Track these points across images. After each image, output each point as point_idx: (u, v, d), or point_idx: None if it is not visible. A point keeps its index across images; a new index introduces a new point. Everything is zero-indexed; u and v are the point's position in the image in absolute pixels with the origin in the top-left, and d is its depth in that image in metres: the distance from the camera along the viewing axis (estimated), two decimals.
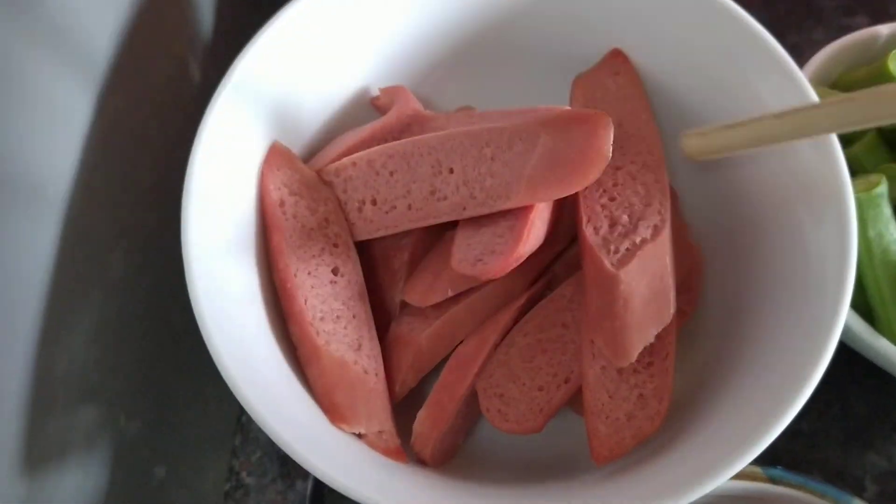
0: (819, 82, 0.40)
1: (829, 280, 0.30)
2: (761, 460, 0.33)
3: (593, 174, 0.32)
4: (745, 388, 0.31)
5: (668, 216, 0.33)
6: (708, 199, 0.39)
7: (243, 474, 0.36)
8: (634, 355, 0.31)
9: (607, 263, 0.32)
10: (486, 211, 0.33)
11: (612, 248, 0.32)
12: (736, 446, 0.28)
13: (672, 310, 0.32)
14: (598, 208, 0.34)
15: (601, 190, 0.34)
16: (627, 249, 0.32)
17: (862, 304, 0.35)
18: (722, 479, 0.27)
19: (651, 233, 0.32)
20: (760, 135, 0.30)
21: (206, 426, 0.45)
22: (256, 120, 0.35)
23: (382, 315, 0.36)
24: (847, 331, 0.35)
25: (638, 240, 0.32)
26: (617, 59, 0.39)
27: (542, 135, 0.32)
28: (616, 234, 0.33)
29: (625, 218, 0.33)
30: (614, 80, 0.38)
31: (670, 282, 0.32)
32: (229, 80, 0.33)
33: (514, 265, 0.31)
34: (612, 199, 0.34)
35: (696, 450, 0.29)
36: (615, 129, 0.34)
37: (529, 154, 0.32)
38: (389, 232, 0.35)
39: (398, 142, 0.36)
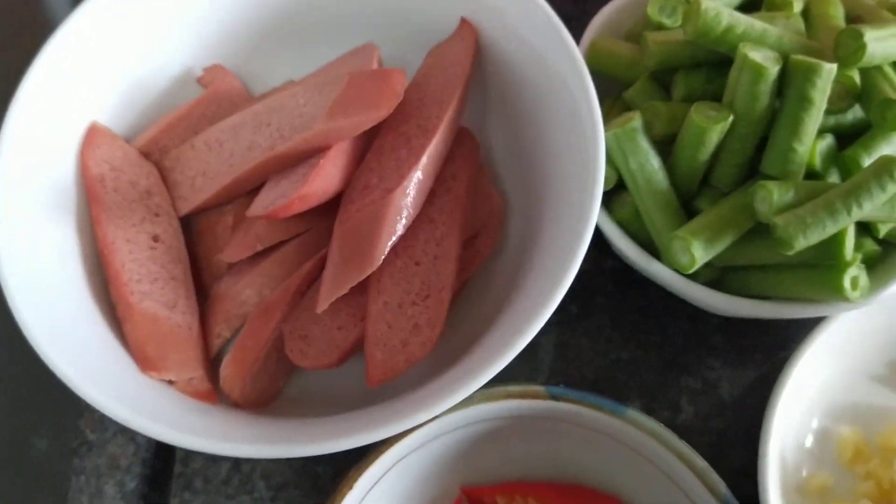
0: (611, 34, 0.42)
1: (579, 205, 0.33)
2: (564, 383, 0.36)
3: (385, 108, 0.35)
4: (511, 310, 0.34)
5: (409, 181, 0.35)
6: (511, 149, 0.42)
7: (87, 432, 0.39)
8: (325, 304, 0.34)
9: (337, 219, 0.36)
10: (291, 146, 0.36)
11: (352, 206, 0.36)
12: (485, 361, 0.31)
13: (372, 266, 0.34)
14: (367, 170, 0.37)
15: (377, 152, 0.37)
16: (357, 210, 0.35)
17: (645, 236, 0.38)
18: (468, 392, 0.30)
19: (379, 195, 0.35)
20: None
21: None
22: (74, 99, 0.38)
23: (210, 279, 0.39)
24: (627, 258, 0.38)
25: (367, 201, 0.35)
26: (463, 28, 0.41)
27: (348, 78, 0.36)
28: (359, 193, 0.36)
29: (374, 180, 0.36)
30: (454, 48, 0.40)
31: (379, 241, 0.34)
32: (38, 61, 0.36)
33: (301, 206, 0.35)
34: (379, 163, 0.37)
35: (459, 370, 0.32)
36: (425, 94, 0.38)
37: (334, 93, 0.36)
38: (214, 191, 0.38)
39: (230, 117, 0.39)
